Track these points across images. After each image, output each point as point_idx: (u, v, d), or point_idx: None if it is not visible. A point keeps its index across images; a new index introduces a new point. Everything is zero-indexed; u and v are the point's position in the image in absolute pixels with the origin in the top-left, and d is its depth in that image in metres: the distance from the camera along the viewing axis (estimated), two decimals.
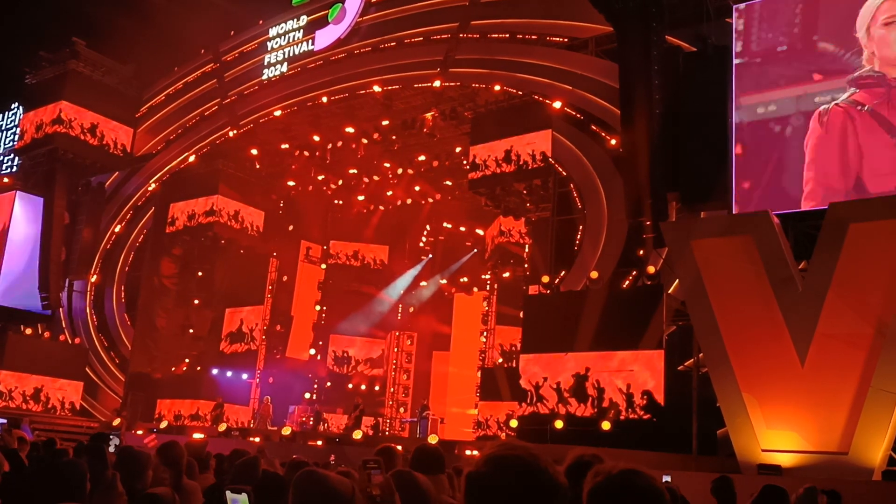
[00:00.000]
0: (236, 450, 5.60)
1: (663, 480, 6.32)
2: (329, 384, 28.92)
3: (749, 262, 12.51)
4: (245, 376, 26.57)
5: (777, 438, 12.04)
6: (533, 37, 20.39)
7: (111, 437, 7.17)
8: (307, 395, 27.85)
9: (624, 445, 13.94)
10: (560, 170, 19.23)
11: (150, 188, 28.40)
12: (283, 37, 25.63)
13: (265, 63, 25.84)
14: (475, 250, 27.81)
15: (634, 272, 16.94)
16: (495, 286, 24.71)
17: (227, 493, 3.39)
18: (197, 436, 17.85)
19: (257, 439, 18.92)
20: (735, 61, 14.83)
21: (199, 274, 28.10)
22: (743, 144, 14.48)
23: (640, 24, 15.45)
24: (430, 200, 28.00)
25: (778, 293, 12.21)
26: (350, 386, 28.65)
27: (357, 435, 18.83)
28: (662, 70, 15.31)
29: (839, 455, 11.44)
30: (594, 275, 16.85)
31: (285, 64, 25.28)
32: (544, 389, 16.81)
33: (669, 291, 15.30)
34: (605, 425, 15.36)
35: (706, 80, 15.13)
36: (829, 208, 12.31)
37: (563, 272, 18.35)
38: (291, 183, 28.30)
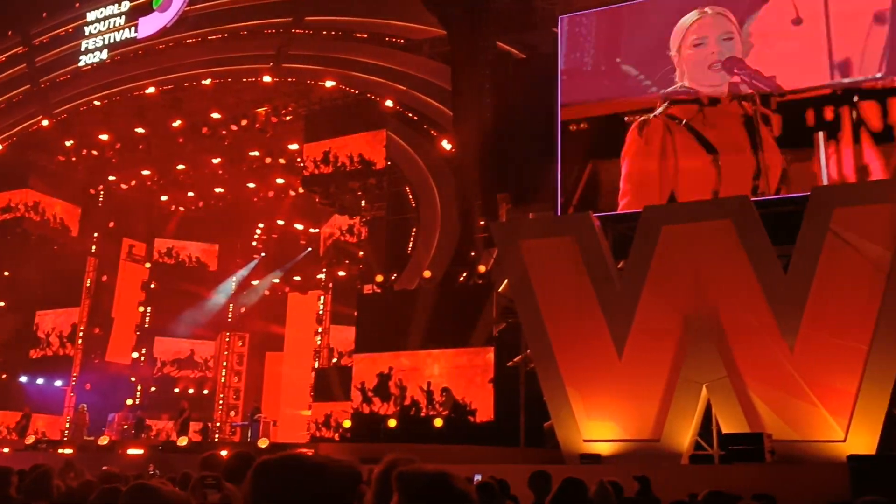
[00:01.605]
0: (36, 465, 5.14)
1: (474, 479, 6.45)
2: (154, 389, 27.48)
3: (572, 262, 13.08)
4: (59, 383, 24.72)
5: (597, 429, 12.66)
6: (365, 35, 20.36)
7: None
8: (129, 402, 26.32)
9: (454, 441, 14.21)
10: (396, 171, 19.35)
11: None
12: (102, 22, 24.02)
13: (82, 49, 24.14)
14: (310, 249, 27.37)
15: (466, 271, 17.30)
16: (330, 285, 24.47)
17: None
18: None
19: (69, 451, 17.65)
20: (559, 74, 15.37)
21: (6, 274, 25.87)
22: (563, 155, 15.03)
23: (470, 28, 15.82)
24: (263, 197, 27.28)
25: (598, 291, 12.85)
26: (177, 390, 27.36)
27: (182, 442, 18.06)
28: (493, 74, 15.74)
29: (652, 442, 12.20)
30: (427, 274, 17.07)
31: (105, 51, 23.75)
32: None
33: (499, 290, 15.71)
34: (438, 422, 15.57)
35: (534, 87, 15.66)
36: (644, 211, 13.11)
37: (397, 271, 18.45)
38: (112, 178, 26.65)
